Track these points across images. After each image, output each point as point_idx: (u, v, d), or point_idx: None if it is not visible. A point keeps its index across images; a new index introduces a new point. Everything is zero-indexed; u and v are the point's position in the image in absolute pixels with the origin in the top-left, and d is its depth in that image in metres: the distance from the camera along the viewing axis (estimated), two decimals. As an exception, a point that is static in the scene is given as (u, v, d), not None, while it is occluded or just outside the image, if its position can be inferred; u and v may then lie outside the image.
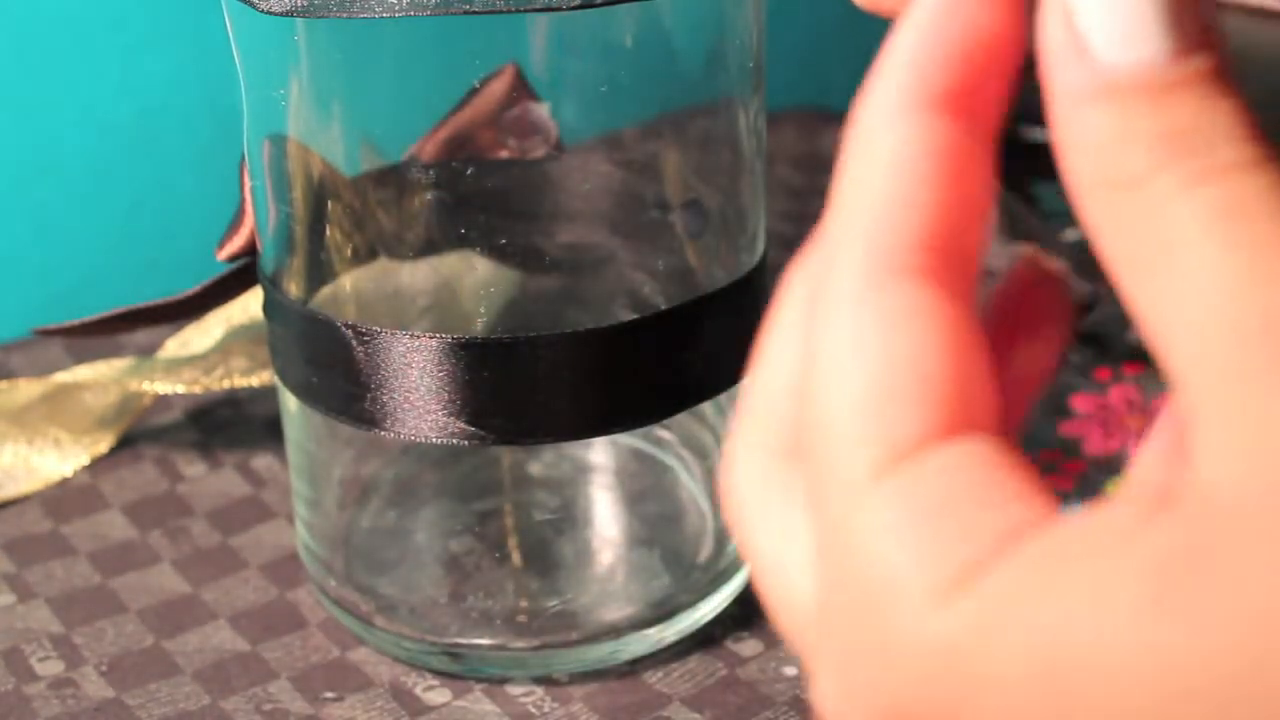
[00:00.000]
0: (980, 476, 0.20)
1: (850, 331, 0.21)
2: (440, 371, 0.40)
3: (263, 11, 0.37)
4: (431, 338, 0.40)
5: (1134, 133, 0.19)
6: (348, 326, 0.40)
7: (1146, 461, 0.21)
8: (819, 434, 0.21)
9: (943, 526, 0.19)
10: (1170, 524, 0.18)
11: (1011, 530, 0.19)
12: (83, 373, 0.54)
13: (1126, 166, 0.19)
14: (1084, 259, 0.57)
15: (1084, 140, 0.20)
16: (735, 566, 0.46)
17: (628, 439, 0.49)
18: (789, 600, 0.22)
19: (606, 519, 0.48)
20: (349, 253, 0.43)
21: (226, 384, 0.53)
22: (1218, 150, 0.19)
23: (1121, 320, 0.57)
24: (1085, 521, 0.19)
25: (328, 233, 0.42)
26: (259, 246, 0.44)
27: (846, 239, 0.21)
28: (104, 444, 0.54)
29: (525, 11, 0.36)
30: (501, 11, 0.36)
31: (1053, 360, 0.24)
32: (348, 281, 0.43)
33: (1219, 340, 0.18)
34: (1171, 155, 0.19)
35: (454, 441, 0.40)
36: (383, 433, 0.41)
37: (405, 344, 0.40)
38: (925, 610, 0.19)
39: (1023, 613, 0.18)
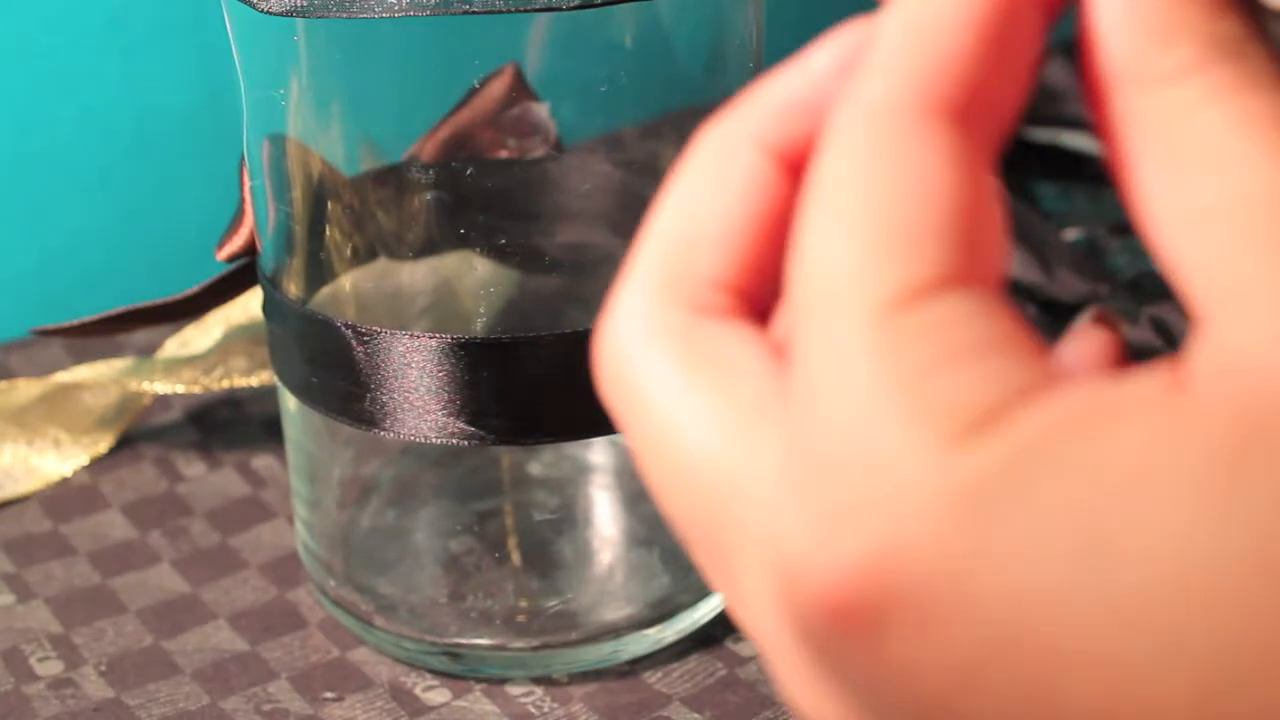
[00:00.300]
0: (992, 326, 0.19)
1: (864, 162, 0.20)
2: (440, 371, 0.40)
3: (263, 11, 0.37)
4: (431, 338, 0.40)
5: (1184, 30, 0.20)
6: (347, 326, 0.40)
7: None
8: (815, 271, 0.20)
9: (959, 369, 0.19)
10: (1208, 394, 0.18)
11: (1034, 382, 0.19)
12: (82, 373, 0.54)
13: (1170, 61, 0.20)
14: (1084, 259, 0.57)
15: (1133, 33, 0.20)
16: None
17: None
18: (695, 460, 0.21)
19: (606, 519, 0.48)
20: (349, 253, 0.43)
21: (226, 384, 0.53)
22: (1252, 62, 0.20)
23: (1120, 318, 0.57)
24: (1116, 386, 0.18)
25: (327, 233, 0.42)
26: (259, 246, 0.44)
27: (881, 68, 0.20)
28: (103, 444, 0.54)
29: (525, 11, 0.36)
30: (501, 11, 0.36)
31: None
32: (347, 281, 0.43)
33: (1246, 221, 0.19)
34: (1213, 58, 0.20)
35: (453, 441, 0.40)
36: (382, 433, 0.41)
37: (405, 344, 0.40)
38: (940, 452, 0.18)
39: (1061, 461, 0.18)
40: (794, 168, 0.23)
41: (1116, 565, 0.17)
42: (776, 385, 0.21)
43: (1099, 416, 0.18)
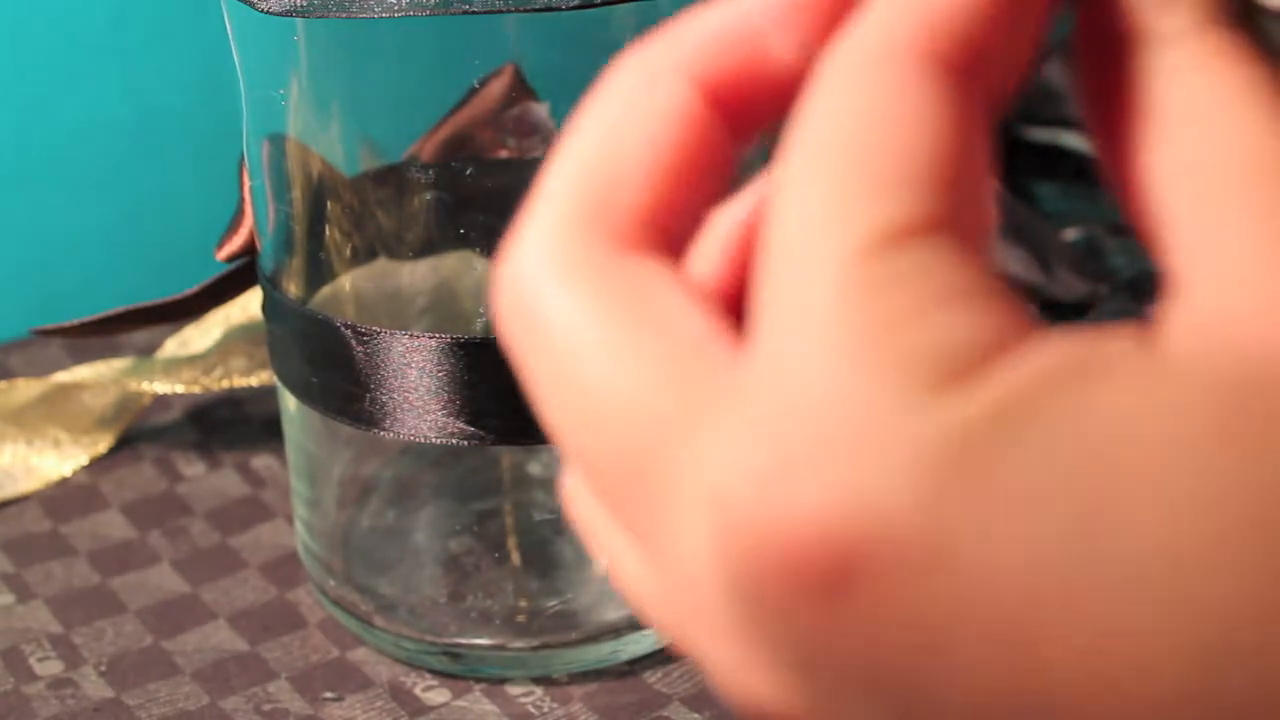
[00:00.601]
0: (968, 275, 0.18)
1: (850, 105, 0.19)
2: (439, 371, 0.40)
3: (263, 11, 0.37)
4: (431, 338, 0.40)
5: None
6: (347, 326, 0.40)
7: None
8: (790, 212, 0.19)
9: (934, 317, 0.18)
10: (1191, 355, 0.18)
11: (1008, 335, 0.18)
12: (82, 373, 0.54)
13: (1169, 24, 0.20)
14: (1084, 259, 0.57)
15: None
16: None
17: (627, 439, 0.49)
18: (615, 402, 0.20)
19: (606, 519, 0.48)
20: (348, 253, 0.43)
21: (225, 384, 0.53)
22: (1245, 33, 0.20)
23: (1120, 318, 0.57)
24: (1095, 344, 0.18)
25: (327, 232, 0.42)
26: (258, 246, 0.44)
27: (881, 15, 0.20)
28: (103, 444, 0.54)
29: (525, 11, 0.36)
30: (501, 11, 0.36)
31: None
32: (347, 281, 0.43)
33: (1230, 183, 0.19)
34: (1210, 25, 0.20)
35: (453, 441, 0.40)
36: (382, 433, 0.41)
37: (405, 344, 0.40)
38: (915, 402, 0.17)
39: (1047, 421, 0.17)
40: (720, 103, 0.22)
41: (1109, 529, 0.17)
42: (709, 326, 0.20)
43: (1082, 375, 0.17)
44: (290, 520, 0.50)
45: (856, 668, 0.18)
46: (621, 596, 0.24)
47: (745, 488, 0.18)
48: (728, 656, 0.20)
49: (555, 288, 0.21)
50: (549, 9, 0.36)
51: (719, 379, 0.19)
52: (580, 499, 0.24)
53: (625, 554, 0.22)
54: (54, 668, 0.44)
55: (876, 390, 0.17)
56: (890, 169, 0.19)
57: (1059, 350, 0.18)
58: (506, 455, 0.49)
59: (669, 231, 0.21)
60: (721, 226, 0.24)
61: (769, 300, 0.19)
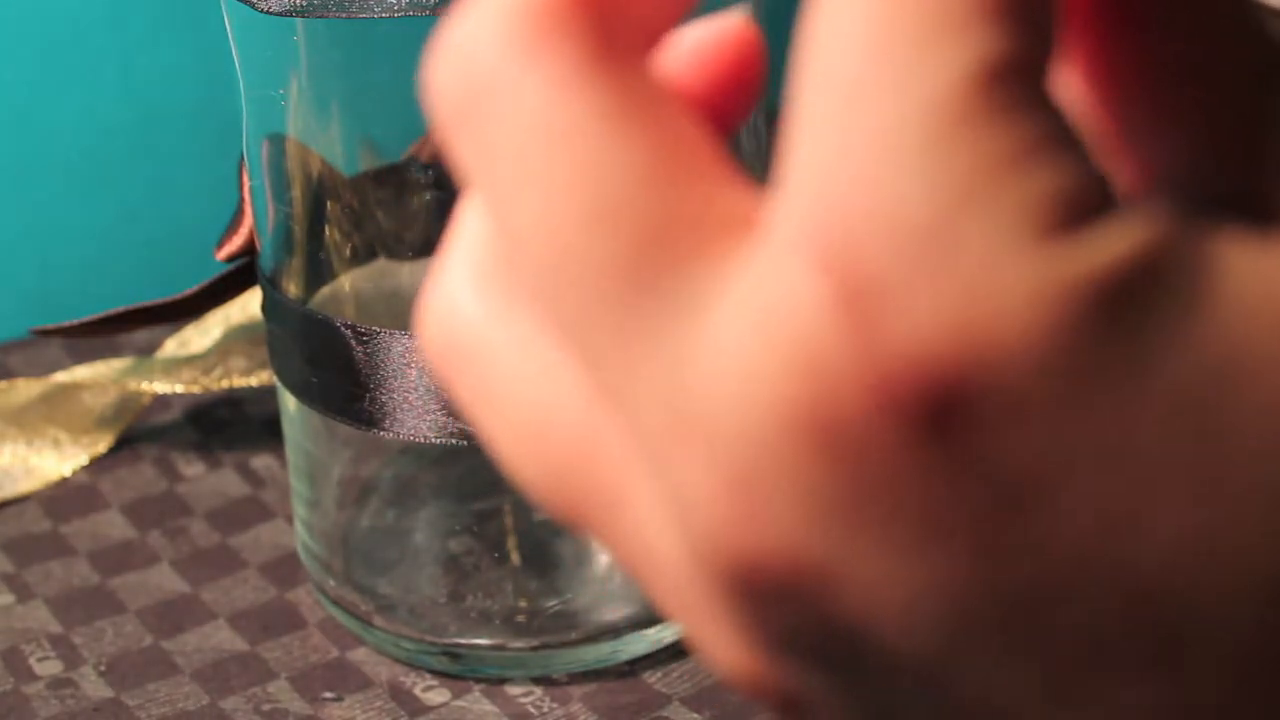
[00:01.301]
0: (1060, 121, 0.17)
1: None
2: (440, 371, 0.40)
3: (263, 11, 0.37)
4: (431, 338, 0.40)
5: None
6: (347, 326, 0.40)
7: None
8: (861, 38, 0.16)
9: (1040, 161, 0.16)
10: None
11: (1105, 188, 0.16)
12: (81, 373, 0.54)
13: None
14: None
15: None
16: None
17: (627, 439, 0.49)
18: (625, 183, 0.17)
19: (606, 519, 0.48)
20: (348, 252, 0.43)
21: (225, 384, 0.53)
22: None
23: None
24: (1207, 229, 0.17)
25: (327, 232, 0.42)
26: (258, 246, 0.44)
27: None
28: (103, 444, 0.54)
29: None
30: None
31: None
32: (347, 281, 0.43)
33: None
34: None
35: (453, 441, 0.40)
36: (382, 432, 0.41)
37: (405, 344, 0.40)
38: (1032, 243, 0.16)
39: (1169, 298, 0.16)
40: None
41: (1239, 390, 0.16)
42: (713, 140, 0.18)
43: (1208, 255, 0.16)
44: (290, 520, 0.50)
45: (931, 515, 0.16)
46: (485, 446, 0.21)
47: (823, 312, 0.16)
48: (735, 510, 0.17)
49: (524, 62, 0.18)
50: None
51: (747, 196, 0.17)
52: (460, 328, 0.21)
53: (534, 387, 0.20)
54: (54, 668, 0.44)
55: (986, 227, 0.16)
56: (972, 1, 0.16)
57: (1172, 221, 0.17)
58: (506, 455, 0.49)
59: (638, 38, 0.19)
60: (682, 48, 0.20)
61: (827, 131, 0.16)
